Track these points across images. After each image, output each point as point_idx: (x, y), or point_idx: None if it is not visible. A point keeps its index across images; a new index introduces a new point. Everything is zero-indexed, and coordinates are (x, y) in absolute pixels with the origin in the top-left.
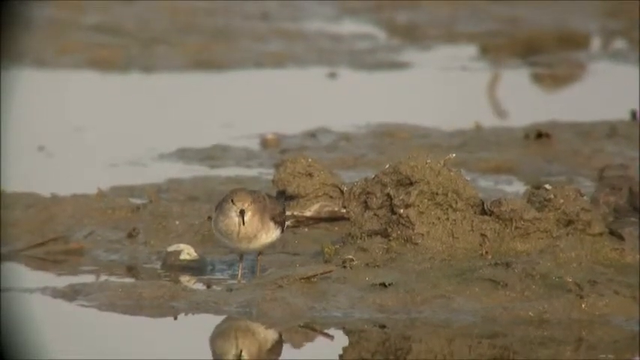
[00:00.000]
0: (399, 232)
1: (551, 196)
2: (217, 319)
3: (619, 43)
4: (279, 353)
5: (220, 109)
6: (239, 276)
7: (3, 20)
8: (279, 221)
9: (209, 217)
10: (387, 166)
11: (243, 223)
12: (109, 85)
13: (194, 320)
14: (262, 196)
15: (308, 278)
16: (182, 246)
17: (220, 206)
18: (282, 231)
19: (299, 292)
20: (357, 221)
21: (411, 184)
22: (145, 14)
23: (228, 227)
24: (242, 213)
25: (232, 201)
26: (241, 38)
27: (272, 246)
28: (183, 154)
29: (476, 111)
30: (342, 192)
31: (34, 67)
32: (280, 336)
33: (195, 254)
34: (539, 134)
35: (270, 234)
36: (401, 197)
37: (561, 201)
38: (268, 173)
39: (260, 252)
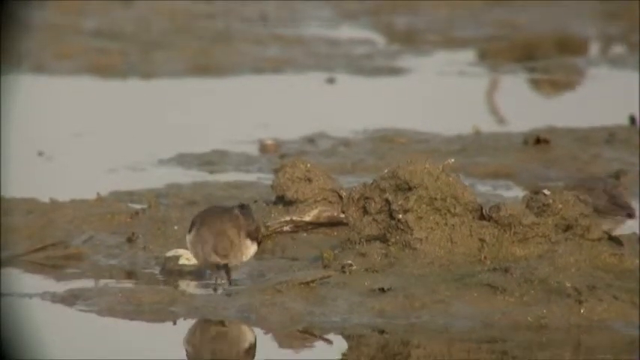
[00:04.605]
0: (397, 237)
1: (550, 201)
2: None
3: (618, 48)
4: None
5: (219, 114)
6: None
7: (2, 24)
8: (255, 237)
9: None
10: (386, 171)
11: (230, 283)
12: (107, 89)
13: (192, 325)
14: (235, 216)
15: (307, 283)
16: (181, 251)
17: (194, 234)
18: (259, 244)
19: (298, 296)
20: (356, 226)
21: (410, 189)
22: (144, 18)
23: (205, 262)
24: (228, 271)
25: (215, 251)
26: (240, 43)
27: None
28: (183, 159)
29: (474, 116)
30: (340, 197)
31: (33, 72)
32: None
33: (193, 259)
34: (538, 140)
35: (248, 252)
36: (399, 202)
37: (560, 206)
38: (267, 178)
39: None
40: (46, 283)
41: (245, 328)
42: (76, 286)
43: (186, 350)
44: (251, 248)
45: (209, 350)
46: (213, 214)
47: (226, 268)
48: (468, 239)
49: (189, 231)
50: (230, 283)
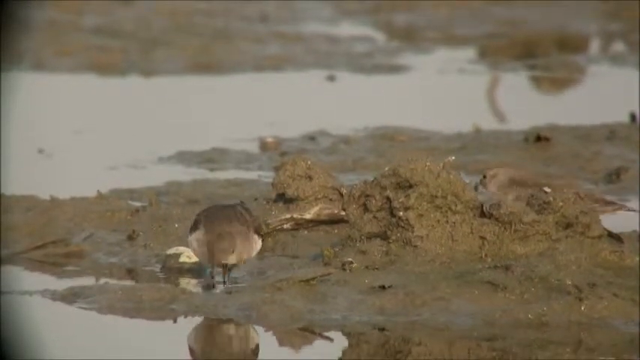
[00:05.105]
0: (398, 234)
1: (550, 199)
2: (217, 322)
3: (618, 46)
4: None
5: (219, 112)
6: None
7: (2, 22)
8: (260, 232)
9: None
10: (387, 168)
11: (224, 283)
12: (108, 87)
13: (193, 323)
14: (240, 213)
15: (307, 281)
16: (182, 249)
17: (200, 233)
18: (262, 239)
19: (298, 294)
20: (357, 224)
21: (410, 186)
22: (144, 16)
23: (207, 262)
24: (225, 268)
25: (232, 252)
26: (240, 41)
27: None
28: (183, 157)
29: (475, 114)
30: (341, 195)
31: (34, 70)
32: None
33: (194, 257)
34: (539, 137)
35: (256, 247)
36: (400, 200)
37: (560, 204)
38: (268, 176)
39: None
40: (46, 280)
41: (249, 327)
42: (77, 283)
43: (190, 349)
44: (258, 243)
45: (213, 350)
46: (218, 213)
47: (226, 268)
48: (469, 237)
49: (194, 230)
50: (225, 283)
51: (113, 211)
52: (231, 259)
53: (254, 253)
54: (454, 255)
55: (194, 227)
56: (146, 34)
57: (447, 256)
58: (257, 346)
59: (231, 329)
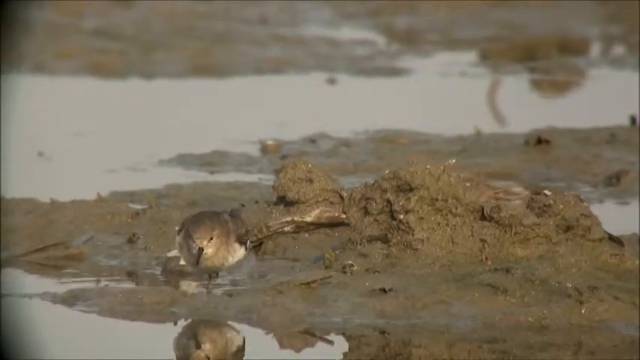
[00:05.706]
0: (398, 237)
1: (551, 201)
2: (217, 325)
3: (619, 49)
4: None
5: (220, 115)
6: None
7: (2, 24)
8: (244, 241)
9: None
10: (387, 171)
11: (197, 263)
12: (108, 90)
13: (193, 326)
14: (224, 220)
15: (308, 284)
16: None
17: (182, 235)
18: (246, 249)
19: (299, 297)
20: (357, 227)
21: (411, 189)
22: (144, 19)
23: (191, 262)
24: (200, 251)
25: (192, 238)
26: (240, 43)
27: (238, 265)
28: (183, 160)
29: (475, 117)
30: (342, 197)
31: (34, 72)
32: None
33: None
34: (539, 140)
35: (237, 255)
36: (401, 203)
37: (561, 207)
38: (268, 179)
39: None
40: (46, 283)
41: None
42: (77, 286)
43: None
44: (239, 251)
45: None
46: (201, 219)
47: (201, 252)
48: (469, 240)
49: (178, 234)
50: (207, 289)
51: (113, 213)
52: (209, 258)
53: (233, 260)
54: (454, 258)
55: (179, 232)
56: (146, 37)
57: (447, 259)
58: (242, 347)
59: (218, 331)
